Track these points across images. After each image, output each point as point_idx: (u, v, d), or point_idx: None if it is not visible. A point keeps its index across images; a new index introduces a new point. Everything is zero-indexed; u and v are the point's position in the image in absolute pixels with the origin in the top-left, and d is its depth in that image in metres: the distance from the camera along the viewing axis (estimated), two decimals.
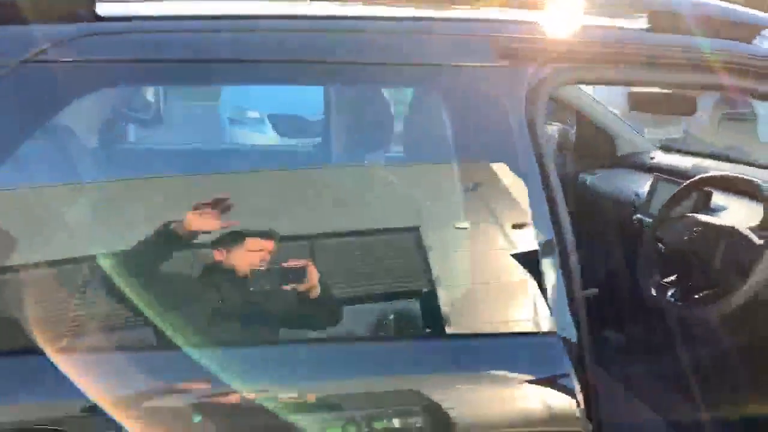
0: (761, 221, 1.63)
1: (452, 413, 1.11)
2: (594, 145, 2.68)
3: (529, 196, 1.17)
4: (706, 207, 2.02)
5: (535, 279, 1.16)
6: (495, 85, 1.18)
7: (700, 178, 1.85)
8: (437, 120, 1.17)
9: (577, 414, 1.12)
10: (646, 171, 2.45)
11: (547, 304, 1.15)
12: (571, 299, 1.18)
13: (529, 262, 1.16)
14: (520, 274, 1.17)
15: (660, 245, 1.86)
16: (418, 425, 1.12)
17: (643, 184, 2.32)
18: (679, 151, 2.63)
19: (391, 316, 1.24)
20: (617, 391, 1.77)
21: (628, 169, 2.56)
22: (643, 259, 1.87)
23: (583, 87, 2.66)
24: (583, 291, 2.35)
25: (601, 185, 2.53)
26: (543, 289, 1.15)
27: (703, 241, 1.73)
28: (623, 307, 2.05)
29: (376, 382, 1.12)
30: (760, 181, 1.67)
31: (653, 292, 1.79)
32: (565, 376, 1.11)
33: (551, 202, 1.19)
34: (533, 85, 1.21)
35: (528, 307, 1.16)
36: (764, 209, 1.61)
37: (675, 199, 1.89)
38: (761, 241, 1.58)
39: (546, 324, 1.14)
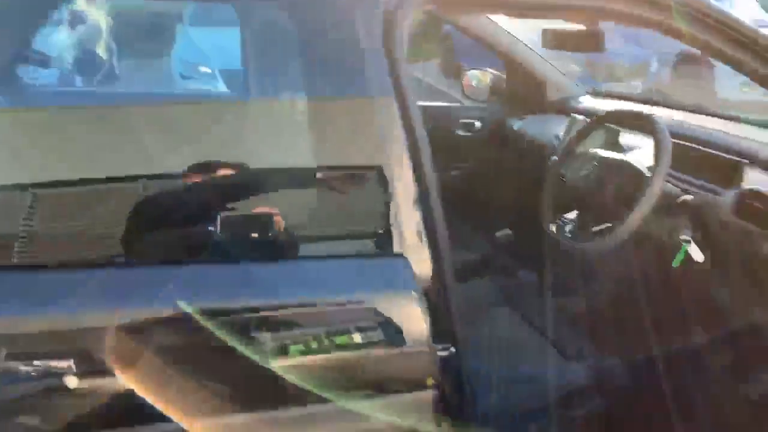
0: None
1: (301, 335, 1.11)
2: (525, 91, 2.66)
3: (384, 127, 1.14)
4: (614, 145, 2.02)
5: (386, 205, 1.14)
6: (347, 6, 1.14)
7: (599, 115, 1.84)
8: (284, 47, 1.14)
9: (423, 335, 1.12)
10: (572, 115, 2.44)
11: (399, 230, 1.14)
12: (428, 225, 1.17)
13: (382, 190, 1.15)
14: (370, 199, 1.16)
15: (563, 182, 1.86)
16: (266, 346, 1.11)
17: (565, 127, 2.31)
18: (608, 96, 2.62)
19: (250, 241, 1.22)
20: (521, 329, 1.79)
21: (556, 114, 2.55)
22: (545, 197, 1.87)
23: (514, 32, 2.63)
24: (497, 233, 2.37)
25: (528, 130, 2.52)
26: (394, 215, 1.14)
27: (599, 175, 1.73)
28: (537, 246, 2.05)
29: (230, 302, 1.10)
30: (654, 116, 1.65)
31: (552, 228, 1.79)
32: (411, 297, 1.11)
33: (409, 132, 1.16)
34: (392, 5, 1.17)
35: (378, 232, 1.16)
36: (654, 142, 1.61)
37: (578, 137, 1.88)
38: (650, 174, 1.58)
39: (395, 247, 1.13)
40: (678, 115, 2.11)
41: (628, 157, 1.74)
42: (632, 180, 1.63)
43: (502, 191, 2.36)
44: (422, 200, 1.17)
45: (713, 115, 2.11)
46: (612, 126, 1.93)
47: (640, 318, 1.70)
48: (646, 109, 2.20)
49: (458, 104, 2.90)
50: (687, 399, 1.59)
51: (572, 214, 1.80)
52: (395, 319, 1.12)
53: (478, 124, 2.70)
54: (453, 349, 1.20)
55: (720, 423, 1.59)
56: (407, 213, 1.14)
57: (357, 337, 1.13)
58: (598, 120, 1.85)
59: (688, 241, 1.58)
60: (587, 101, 2.53)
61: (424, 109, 2.93)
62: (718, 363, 1.64)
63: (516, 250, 2.31)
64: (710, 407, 1.58)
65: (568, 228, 1.76)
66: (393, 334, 1.12)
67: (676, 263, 1.60)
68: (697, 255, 1.57)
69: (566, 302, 2.00)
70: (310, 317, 1.12)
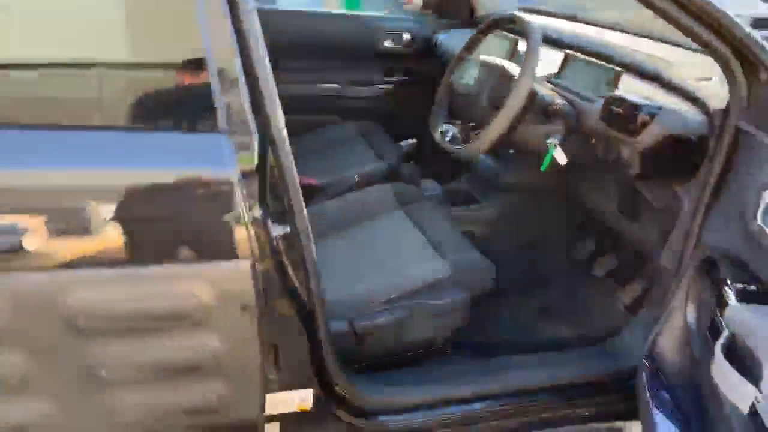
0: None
1: (122, 205, 1.13)
2: (454, 4, 2.63)
3: (208, 15, 1.13)
4: (513, 53, 2.02)
5: (208, 85, 1.15)
6: None
7: (486, 22, 1.83)
8: None
9: (243, 217, 1.15)
10: None
11: (222, 108, 1.15)
12: (255, 104, 1.17)
13: (202, 70, 1.16)
14: (189, 78, 1.17)
15: (453, 90, 1.87)
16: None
17: None
18: (539, 13, 2.57)
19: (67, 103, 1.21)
20: (404, 229, 1.82)
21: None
22: (435, 105, 1.88)
23: None
24: (402, 143, 2.39)
25: (450, 44, 2.49)
26: (220, 99, 1.15)
27: (479, 81, 1.74)
28: (437, 156, 2.07)
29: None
30: (527, 19, 1.64)
31: (438, 135, 1.81)
32: (230, 175, 1.14)
33: (236, 18, 1.15)
34: None
35: (195, 108, 1.17)
36: (526, 43, 1.60)
37: (468, 45, 1.87)
38: (516, 75, 1.58)
39: (213, 125, 1.14)
40: (622, 39, 2.04)
41: (504, 61, 1.74)
42: (505, 83, 1.64)
43: (421, 102, 2.37)
44: (252, 85, 1.17)
45: (661, 41, 2.06)
46: (505, 34, 1.91)
47: (514, 220, 1.73)
48: (581, 29, 2.18)
49: (389, 15, 2.86)
50: (544, 291, 1.65)
51: (458, 121, 1.82)
52: (213, 199, 1.15)
53: (406, 36, 2.68)
54: (288, 229, 1.24)
55: (577, 311, 1.66)
56: (233, 96, 1.15)
57: (173, 209, 1.16)
58: (484, 28, 1.84)
59: (554, 145, 1.60)
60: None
61: (350, 18, 2.88)
62: (572, 257, 1.68)
63: (419, 159, 2.34)
64: (567, 296, 1.63)
65: (450, 134, 1.78)
66: (212, 211, 1.16)
67: (543, 167, 1.63)
68: (561, 158, 1.60)
69: (454, 207, 2.05)
70: (129, 189, 1.14)
